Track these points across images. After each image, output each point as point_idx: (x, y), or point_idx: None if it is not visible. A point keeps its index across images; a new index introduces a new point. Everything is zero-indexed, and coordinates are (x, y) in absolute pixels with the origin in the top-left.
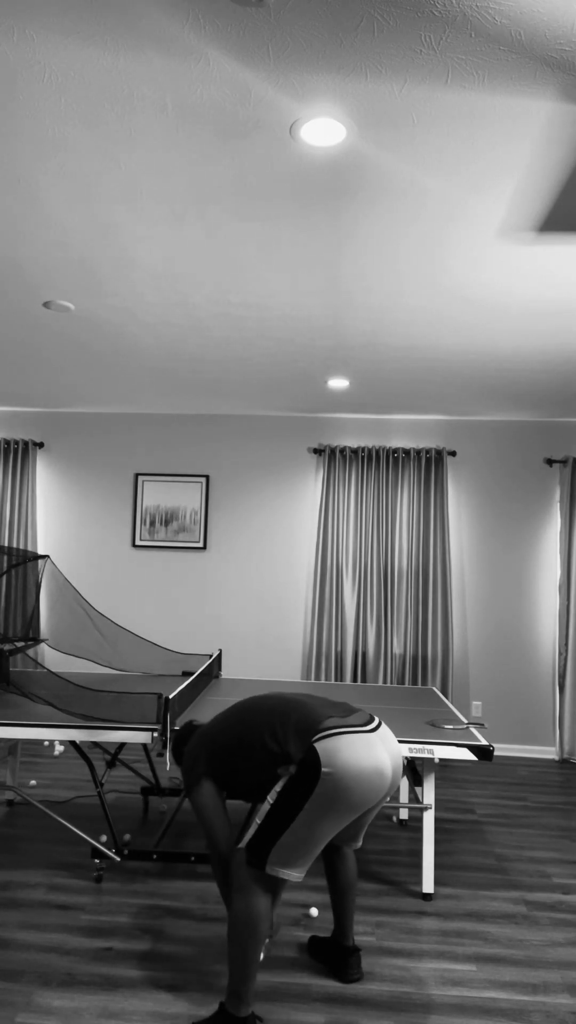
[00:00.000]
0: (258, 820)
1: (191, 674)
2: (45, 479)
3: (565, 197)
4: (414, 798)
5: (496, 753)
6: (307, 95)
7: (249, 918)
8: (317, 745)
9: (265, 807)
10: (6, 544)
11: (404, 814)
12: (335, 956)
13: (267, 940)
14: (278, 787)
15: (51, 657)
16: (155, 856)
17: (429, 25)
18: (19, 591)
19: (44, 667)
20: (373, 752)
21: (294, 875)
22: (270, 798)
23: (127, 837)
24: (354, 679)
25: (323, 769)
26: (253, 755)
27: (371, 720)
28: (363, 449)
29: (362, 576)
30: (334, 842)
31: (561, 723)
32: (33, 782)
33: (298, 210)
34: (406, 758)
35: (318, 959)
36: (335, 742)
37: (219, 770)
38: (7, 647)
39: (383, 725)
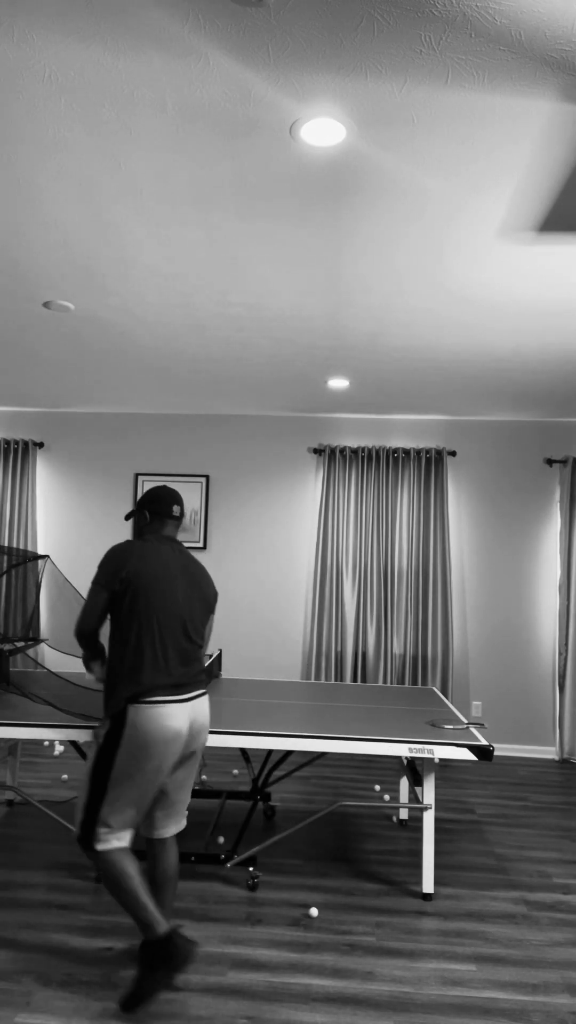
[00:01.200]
0: (82, 797)
1: None
2: (45, 479)
3: (565, 197)
4: (414, 798)
5: (496, 753)
6: (307, 95)
7: (114, 874)
8: (130, 708)
9: (85, 781)
10: (6, 544)
11: (404, 814)
12: (158, 948)
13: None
14: (92, 756)
15: (51, 657)
16: None
17: (429, 25)
18: (19, 591)
19: (44, 667)
20: (173, 723)
21: (123, 843)
22: (88, 765)
23: None
24: (354, 679)
25: (125, 731)
26: (119, 640)
27: (190, 690)
28: (363, 449)
29: (362, 576)
30: (158, 826)
31: (561, 723)
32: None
33: (298, 210)
34: (406, 758)
35: (144, 962)
36: (146, 711)
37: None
38: (7, 647)
39: (201, 697)
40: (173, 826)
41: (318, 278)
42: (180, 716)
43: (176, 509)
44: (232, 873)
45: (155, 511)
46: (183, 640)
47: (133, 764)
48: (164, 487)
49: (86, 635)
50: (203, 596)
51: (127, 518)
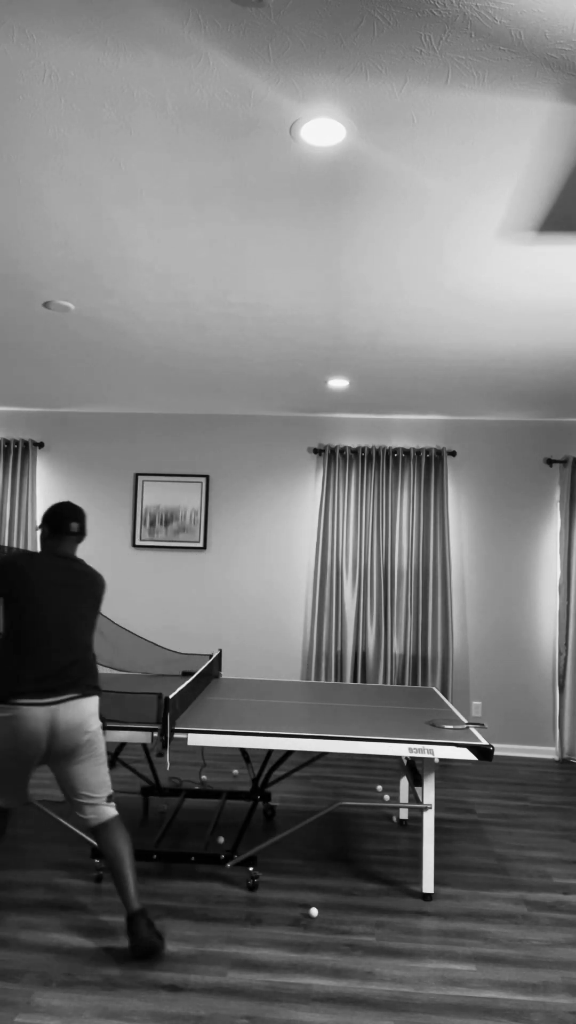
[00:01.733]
0: None
1: (191, 674)
2: (45, 479)
3: (565, 197)
4: (414, 798)
5: (496, 753)
6: (307, 95)
7: None
8: (1, 706)
9: None
10: (6, 544)
11: (404, 814)
12: (128, 930)
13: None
14: None
15: None
16: (155, 856)
17: (429, 25)
18: None
19: None
20: (28, 724)
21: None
22: None
23: None
24: (354, 679)
25: None
26: (6, 638)
27: (58, 694)
28: (363, 449)
29: (362, 576)
30: (80, 815)
31: (561, 723)
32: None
33: (298, 210)
34: (406, 758)
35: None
36: (11, 711)
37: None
38: None
39: (72, 700)
40: (92, 815)
41: (318, 278)
42: (36, 719)
43: (74, 526)
44: (232, 873)
45: (54, 527)
46: (56, 651)
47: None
48: (66, 504)
49: None
50: (85, 609)
51: (38, 528)
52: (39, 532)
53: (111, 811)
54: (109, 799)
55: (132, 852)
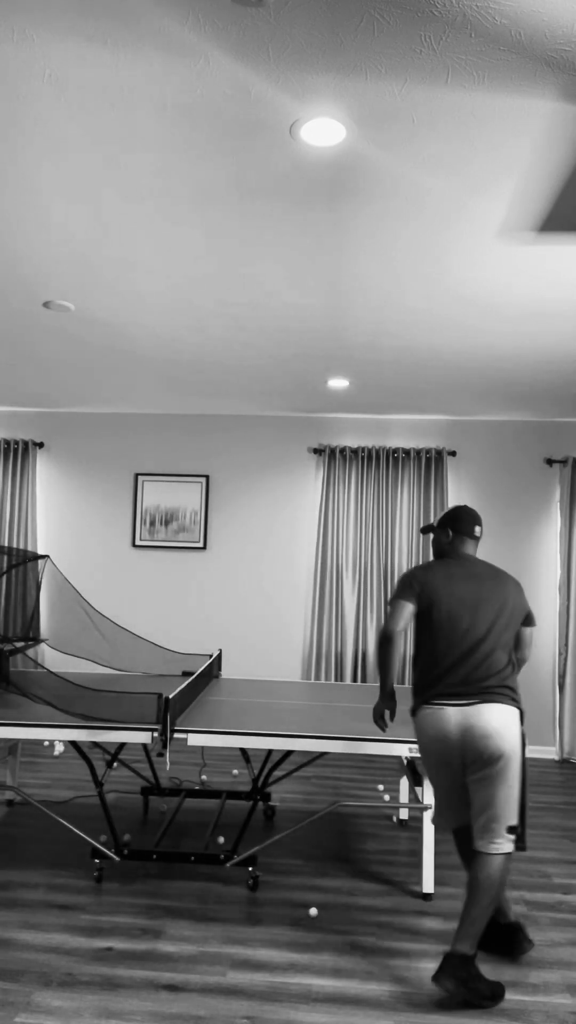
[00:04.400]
0: None
1: (191, 674)
2: (45, 479)
3: (565, 197)
4: (414, 798)
5: None
6: (307, 95)
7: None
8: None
9: None
10: (6, 544)
11: (404, 814)
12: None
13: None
14: None
15: (51, 657)
16: (155, 856)
17: (429, 25)
18: (19, 591)
19: (44, 667)
20: (439, 723)
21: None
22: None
23: (127, 837)
24: (354, 679)
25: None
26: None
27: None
28: (363, 449)
29: (362, 576)
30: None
31: (561, 723)
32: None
33: (298, 210)
34: (406, 758)
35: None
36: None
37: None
38: (7, 647)
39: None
40: (481, 840)
41: (318, 278)
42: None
43: (476, 530)
44: (232, 873)
45: (456, 530)
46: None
47: (425, 761)
48: (467, 508)
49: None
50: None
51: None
52: (432, 536)
53: (503, 846)
54: (510, 830)
55: (491, 900)
